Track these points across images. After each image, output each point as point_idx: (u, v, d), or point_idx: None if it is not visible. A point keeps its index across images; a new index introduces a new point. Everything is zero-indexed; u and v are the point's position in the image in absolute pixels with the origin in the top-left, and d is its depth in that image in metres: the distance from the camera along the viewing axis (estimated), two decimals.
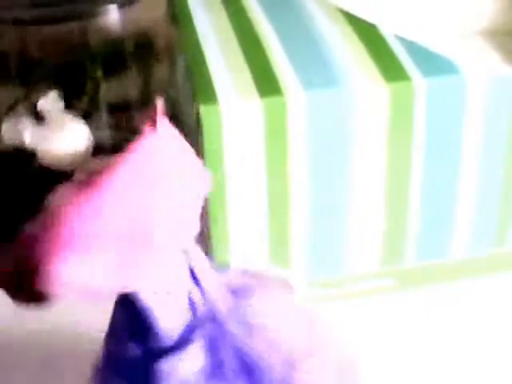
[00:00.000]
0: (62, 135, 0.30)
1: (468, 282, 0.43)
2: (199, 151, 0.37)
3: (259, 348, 0.31)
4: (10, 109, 0.42)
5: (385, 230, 0.40)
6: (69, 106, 0.42)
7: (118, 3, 0.40)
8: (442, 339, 0.40)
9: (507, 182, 0.40)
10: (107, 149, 0.43)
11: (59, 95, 0.30)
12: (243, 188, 0.38)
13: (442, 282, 0.42)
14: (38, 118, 0.30)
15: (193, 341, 0.30)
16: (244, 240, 0.39)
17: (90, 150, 0.30)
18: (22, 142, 0.30)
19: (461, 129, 0.38)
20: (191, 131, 0.37)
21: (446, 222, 0.41)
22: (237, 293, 0.31)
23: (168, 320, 0.29)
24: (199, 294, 0.30)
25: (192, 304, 0.30)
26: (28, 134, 0.30)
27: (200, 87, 0.37)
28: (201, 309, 0.30)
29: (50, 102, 0.30)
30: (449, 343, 0.40)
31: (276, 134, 0.37)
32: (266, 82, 0.37)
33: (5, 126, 0.30)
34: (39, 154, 0.30)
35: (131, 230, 0.27)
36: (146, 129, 0.28)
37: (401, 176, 0.39)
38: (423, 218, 0.40)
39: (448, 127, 0.38)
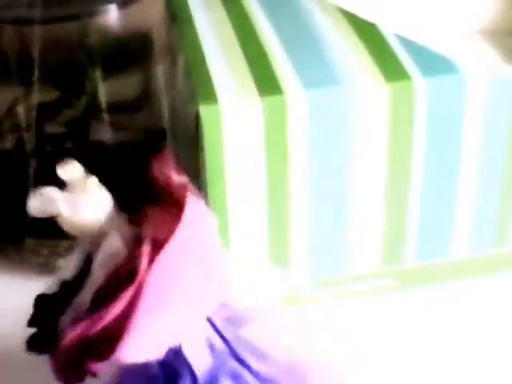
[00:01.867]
0: (87, 202, 0.30)
1: (468, 282, 0.43)
2: (199, 151, 0.36)
3: (274, 372, 0.32)
4: (10, 109, 0.42)
5: (385, 229, 0.40)
6: (69, 106, 0.42)
7: (117, 3, 0.40)
8: (442, 339, 0.40)
9: (507, 182, 0.40)
10: (107, 149, 0.43)
11: (77, 164, 0.30)
12: (243, 188, 0.38)
13: (442, 282, 0.42)
14: (63, 186, 0.30)
15: (220, 380, 0.31)
16: (244, 240, 0.39)
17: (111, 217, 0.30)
18: (51, 213, 0.29)
19: (461, 128, 0.38)
20: (191, 131, 0.37)
21: (445, 222, 0.41)
22: (235, 322, 0.32)
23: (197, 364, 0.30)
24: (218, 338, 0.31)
25: (212, 347, 0.31)
26: (60, 204, 0.29)
27: (200, 87, 0.37)
28: (220, 350, 0.31)
29: (71, 169, 0.30)
30: (449, 343, 0.40)
31: (276, 133, 0.37)
32: (266, 82, 0.37)
33: (33, 199, 0.29)
34: (61, 222, 0.29)
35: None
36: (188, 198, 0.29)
37: (401, 175, 0.39)
38: (423, 217, 0.40)
39: (448, 127, 0.38)
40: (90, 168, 0.43)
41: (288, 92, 0.36)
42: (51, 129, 0.43)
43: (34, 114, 0.42)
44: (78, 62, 0.41)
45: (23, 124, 0.42)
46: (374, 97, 0.37)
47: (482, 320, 0.41)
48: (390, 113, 0.37)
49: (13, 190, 0.43)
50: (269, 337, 0.32)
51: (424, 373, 0.38)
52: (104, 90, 0.42)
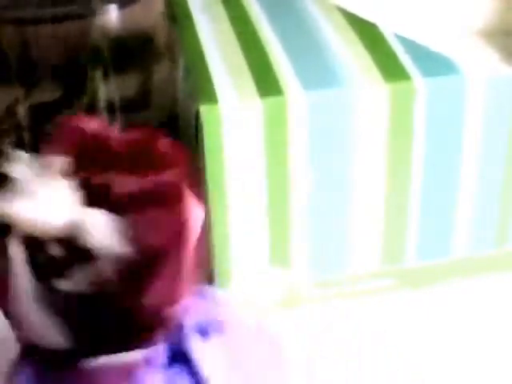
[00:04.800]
0: (37, 203, 0.27)
1: (468, 281, 0.43)
2: (199, 151, 0.37)
3: None
4: (9, 108, 0.42)
5: (385, 229, 0.40)
6: (69, 106, 0.43)
7: (117, 3, 0.40)
8: (442, 339, 0.40)
9: (507, 181, 0.40)
10: None
11: (30, 158, 0.28)
12: (243, 188, 0.38)
13: (442, 281, 0.42)
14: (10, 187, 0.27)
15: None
16: (244, 240, 0.39)
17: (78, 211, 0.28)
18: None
19: (461, 128, 0.38)
20: (191, 131, 0.37)
21: (446, 222, 0.41)
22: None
23: None
24: None
25: None
26: (14, 208, 0.27)
27: (200, 87, 0.37)
28: None
29: (20, 169, 0.28)
30: (449, 343, 0.40)
31: (276, 134, 0.37)
32: (266, 82, 0.37)
33: None
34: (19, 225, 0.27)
35: None
36: None
37: (401, 175, 0.39)
38: (423, 217, 0.40)
39: (448, 127, 0.38)
40: None
41: (288, 93, 0.36)
42: (51, 129, 0.43)
43: (33, 113, 0.42)
44: (78, 61, 0.41)
45: (23, 124, 0.42)
46: (374, 97, 0.37)
47: (482, 320, 0.41)
48: (390, 113, 0.37)
49: None
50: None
51: (424, 372, 0.38)
52: (104, 90, 0.42)
